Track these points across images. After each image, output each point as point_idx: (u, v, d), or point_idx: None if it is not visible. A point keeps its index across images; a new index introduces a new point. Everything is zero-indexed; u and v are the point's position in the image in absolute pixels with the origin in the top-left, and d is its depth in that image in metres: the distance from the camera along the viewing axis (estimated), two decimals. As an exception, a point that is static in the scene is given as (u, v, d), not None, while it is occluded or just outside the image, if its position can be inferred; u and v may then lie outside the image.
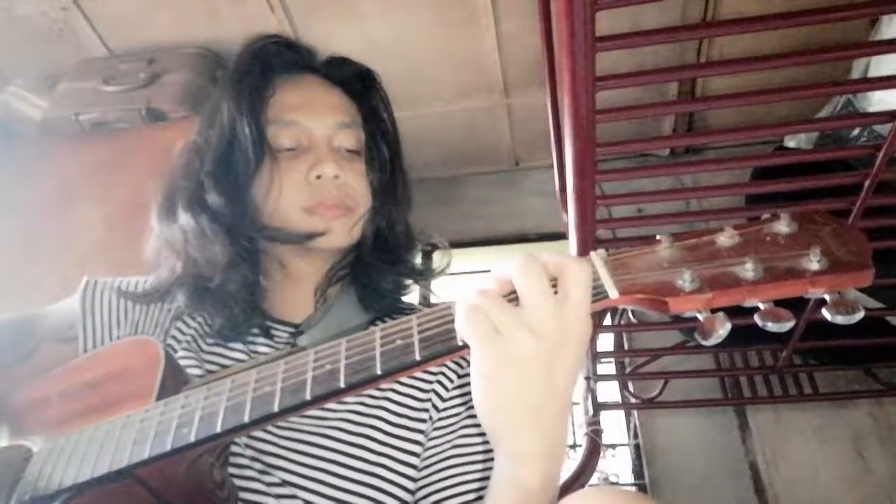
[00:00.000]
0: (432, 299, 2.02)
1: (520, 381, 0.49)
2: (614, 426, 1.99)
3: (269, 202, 0.74)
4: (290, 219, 0.73)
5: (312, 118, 0.76)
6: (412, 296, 0.87)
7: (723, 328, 0.47)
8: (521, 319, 0.48)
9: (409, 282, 0.84)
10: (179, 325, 0.76)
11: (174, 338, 0.75)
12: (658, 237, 0.52)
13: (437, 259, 0.86)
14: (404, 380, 0.74)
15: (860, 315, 0.46)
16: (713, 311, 0.48)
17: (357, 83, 0.83)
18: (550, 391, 0.50)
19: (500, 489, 0.55)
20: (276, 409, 0.50)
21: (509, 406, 0.50)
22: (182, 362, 0.68)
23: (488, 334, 0.48)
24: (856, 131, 1.58)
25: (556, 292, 0.49)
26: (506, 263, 0.50)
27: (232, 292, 0.72)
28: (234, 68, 0.77)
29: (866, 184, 1.02)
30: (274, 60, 0.78)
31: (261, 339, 0.75)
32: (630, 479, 1.87)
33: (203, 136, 0.78)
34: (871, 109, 1.54)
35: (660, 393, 1.80)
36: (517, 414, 0.51)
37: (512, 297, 0.50)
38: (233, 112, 0.74)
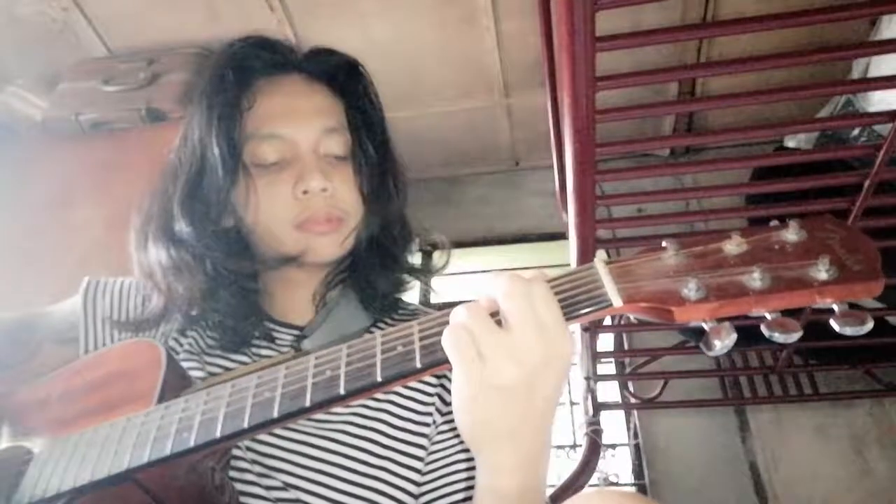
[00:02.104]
0: (432, 298, 2.02)
1: (500, 406, 0.49)
2: (614, 426, 1.99)
3: (248, 220, 0.71)
4: (280, 236, 0.71)
5: (295, 127, 0.72)
6: (412, 295, 0.86)
7: (728, 338, 0.46)
8: (505, 346, 0.47)
9: (408, 280, 0.82)
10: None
11: (175, 340, 0.74)
12: (664, 244, 0.51)
13: (437, 257, 0.85)
14: (408, 383, 0.74)
15: (869, 326, 0.45)
16: (719, 320, 0.47)
17: (342, 76, 0.78)
18: (530, 412, 0.50)
19: (481, 495, 0.57)
20: (275, 415, 0.50)
21: (488, 426, 0.51)
22: (184, 365, 0.68)
23: (471, 358, 0.47)
24: (856, 131, 1.58)
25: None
26: (493, 281, 0.49)
27: (219, 319, 0.71)
28: (208, 78, 0.73)
29: (866, 184, 1.02)
30: (251, 64, 0.74)
31: (263, 343, 0.74)
32: (630, 479, 1.87)
33: (178, 155, 0.74)
34: (871, 109, 1.54)
35: (660, 393, 1.80)
36: (496, 432, 0.51)
37: (498, 316, 0.49)
38: (203, 129, 0.70)
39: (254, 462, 0.65)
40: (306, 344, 0.73)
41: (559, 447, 2.00)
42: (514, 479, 0.53)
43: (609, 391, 1.95)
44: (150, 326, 0.74)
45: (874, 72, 1.58)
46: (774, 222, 0.51)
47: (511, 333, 0.47)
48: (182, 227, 0.70)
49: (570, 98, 0.88)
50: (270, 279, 0.77)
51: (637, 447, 1.89)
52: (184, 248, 0.70)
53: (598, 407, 1.76)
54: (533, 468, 0.54)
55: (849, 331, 0.45)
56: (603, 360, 1.84)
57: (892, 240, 1.11)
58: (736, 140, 1.02)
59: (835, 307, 0.46)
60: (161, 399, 0.56)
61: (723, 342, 0.46)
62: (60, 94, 1.95)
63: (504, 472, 0.53)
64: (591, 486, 1.66)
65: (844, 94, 1.65)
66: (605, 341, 1.95)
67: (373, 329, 0.78)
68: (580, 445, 1.74)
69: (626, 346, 2.00)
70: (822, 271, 0.46)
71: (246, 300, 0.73)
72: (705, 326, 0.47)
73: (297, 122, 0.73)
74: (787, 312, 0.47)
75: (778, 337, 0.46)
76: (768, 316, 0.46)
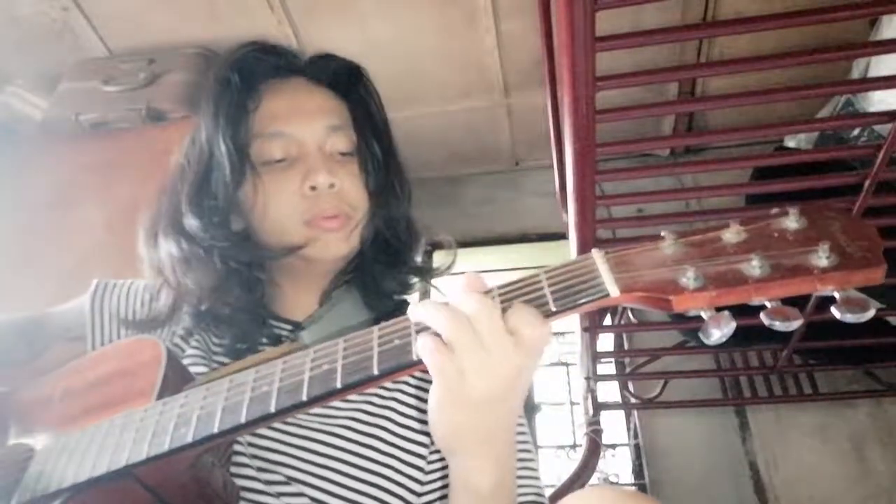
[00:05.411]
0: (432, 298, 2.02)
1: (475, 418, 0.52)
2: (614, 426, 2.00)
3: (256, 218, 0.72)
4: (288, 232, 0.72)
5: (300, 125, 0.73)
6: (414, 295, 0.86)
7: (727, 327, 0.45)
8: (486, 364, 0.48)
9: (413, 280, 0.83)
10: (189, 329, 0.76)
11: (181, 337, 0.75)
12: (662, 233, 0.50)
13: (441, 257, 0.85)
14: (412, 379, 0.74)
15: (871, 313, 0.44)
16: (718, 309, 0.46)
17: (344, 80, 0.80)
18: (502, 417, 0.53)
19: (456, 494, 0.60)
20: (272, 409, 0.50)
21: (462, 435, 0.54)
22: (190, 360, 0.69)
23: (453, 377, 0.49)
24: (856, 131, 1.58)
25: None
26: (462, 297, 0.50)
27: (228, 314, 0.72)
28: (213, 82, 0.74)
29: (866, 184, 1.02)
30: (256, 68, 0.76)
31: (270, 347, 0.74)
32: (630, 479, 1.87)
33: (186, 156, 0.76)
34: (871, 109, 1.54)
35: (660, 393, 1.81)
36: (469, 440, 0.54)
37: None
38: (210, 130, 0.72)
39: (254, 457, 0.65)
40: (304, 336, 0.73)
41: (559, 447, 2.01)
42: (488, 476, 0.56)
43: (609, 391, 1.96)
44: (158, 325, 0.75)
45: (874, 72, 1.58)
46: (774, 210, 0.50)
47: (489, 352, 0.48)
48: (191, 221, 0.71)
49: (570, 98, 0.88)
50: (279, 278, 0.77)
51: (637, 447, 1.89)
52: (194, 242, 0.71)
53: (598, 407, 1.76)
54: (504, 463, 0.57)
55: (850, 317, 0.44)
56: (603, 360, 1.84)
57: (892, 240, 1.11)
58: (736, 140, 1.03)
59: (836, 294, 0.45)
60: (161, 396, 0.56)
61: (721, 331, 0.45)
62: (60, 94, 1.95)
63: (478, 472, 0.56)
64: (590, 486, 1.66)
65: (844, 94, 1.65)
66: (605, 341, 1.96)
67: (374, 327, 0.78)
68: (580, 445, 1.74)
69: (626, 346, 2.00)
70: (822, 258, 0.45)
71: (253, 296, 0.74)
72: (704, 315, 0.47)
73: (303, 120, 0.74)
74: (788, 302, 0.46)
75: (778, 325, 0.45)
76: (768, 304, 0.46)
